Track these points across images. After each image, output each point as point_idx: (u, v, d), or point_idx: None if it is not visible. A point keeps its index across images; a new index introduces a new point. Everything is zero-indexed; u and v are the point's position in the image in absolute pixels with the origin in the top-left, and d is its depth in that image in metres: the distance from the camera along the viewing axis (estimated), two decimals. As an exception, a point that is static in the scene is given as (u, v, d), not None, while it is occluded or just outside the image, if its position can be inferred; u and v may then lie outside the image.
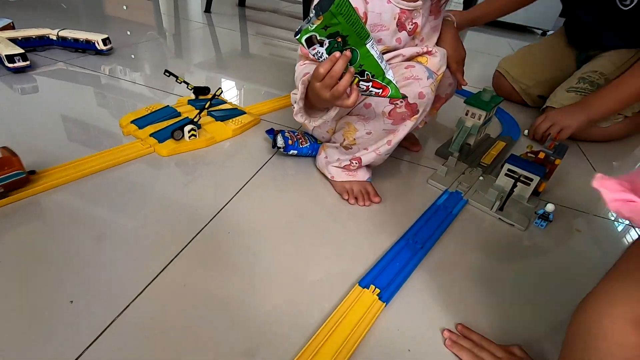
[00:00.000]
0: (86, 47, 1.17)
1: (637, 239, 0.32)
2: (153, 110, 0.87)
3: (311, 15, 0.45)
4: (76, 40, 1.16)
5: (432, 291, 0.55)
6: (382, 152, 0.70)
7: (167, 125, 0.81)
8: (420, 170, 0.86)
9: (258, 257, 0.57)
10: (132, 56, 1.24)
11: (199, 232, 0.59)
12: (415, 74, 0.63)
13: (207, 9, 1.97)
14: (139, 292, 0.49)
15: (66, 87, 0.98)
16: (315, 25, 0.45)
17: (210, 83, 1.13)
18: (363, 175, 0.74)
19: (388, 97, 0.54)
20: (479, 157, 0.90)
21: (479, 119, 0.86)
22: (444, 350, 0.48)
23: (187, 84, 0.91)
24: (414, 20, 0.67)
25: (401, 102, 0.64)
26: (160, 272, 0.52)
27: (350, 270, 0.57)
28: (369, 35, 0.48)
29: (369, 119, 0.67)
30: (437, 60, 0.68)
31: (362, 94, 0.55)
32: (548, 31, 2.90)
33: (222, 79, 1.21)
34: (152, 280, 0.50)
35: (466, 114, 0.87)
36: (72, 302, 0.46)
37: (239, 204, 0.66)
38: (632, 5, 0.99)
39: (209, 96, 0.96)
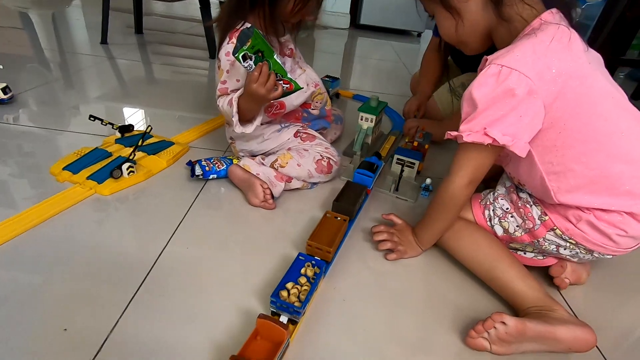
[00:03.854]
0: (-16, 99, 1.13)
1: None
2: (83, 154, 0.92)
3: (240, 43, 0.71)
4: (-29, 92, 1.11)
5: (359, 258, 0.74)
6: (296, 183, 0.91)
7: (103, 166, 0.88)
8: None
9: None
10: (36, 101, 1.22)
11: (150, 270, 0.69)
12: (332, 153, 0.95)
13: (103, 40, 1.94)
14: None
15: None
16: (247, 46, 0.71)
17: (124, 115, 1.18)
18: (278, 188, 0.88)
19: (293, 90, 0.78)
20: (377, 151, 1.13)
21: (372, 122, 1.09)
22: (369, 302, 0.66)
23: (112, 124, 0.97)
24: (289, 47, 0.94)
25: (327, 158, 0.92)
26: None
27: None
28: (274, 50, 0.74)
29: (303, 157, 0.90)
30: (311, 73, 0.99)
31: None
32: (421, 32, 3.43)
33: (137, 110, 1.27)
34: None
35: (361, 119, 1.09)
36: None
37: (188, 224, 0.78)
38: None
39: (134, 133, 1.03)
